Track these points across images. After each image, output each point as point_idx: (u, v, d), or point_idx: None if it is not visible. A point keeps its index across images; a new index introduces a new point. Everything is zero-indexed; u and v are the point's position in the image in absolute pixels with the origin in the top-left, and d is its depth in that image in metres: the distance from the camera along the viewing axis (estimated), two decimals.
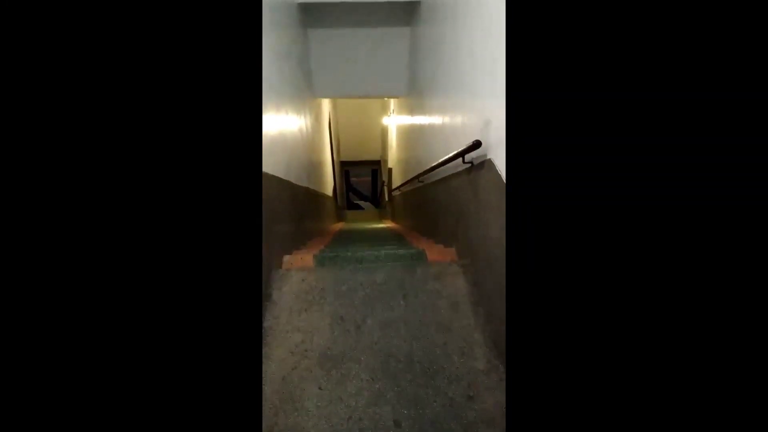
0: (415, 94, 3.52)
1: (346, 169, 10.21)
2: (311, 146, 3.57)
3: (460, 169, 1.84)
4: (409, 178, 4.00)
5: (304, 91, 3.23)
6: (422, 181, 2.99)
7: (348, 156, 9.24)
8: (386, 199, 7.78)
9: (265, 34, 1.91)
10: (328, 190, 5.51)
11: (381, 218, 7.40)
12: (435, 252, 2.08)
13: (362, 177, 12.65)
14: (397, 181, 5.81)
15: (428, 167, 2.66)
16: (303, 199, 2.98)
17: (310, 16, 3.36)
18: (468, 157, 1.66)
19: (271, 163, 1.91)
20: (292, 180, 2.45)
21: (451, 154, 1.83)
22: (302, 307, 1.61)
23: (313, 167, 3.69)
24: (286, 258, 2.01)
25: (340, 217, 7.21)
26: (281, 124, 2.16)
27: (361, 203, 13.36)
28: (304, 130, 3.10)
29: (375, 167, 10.28)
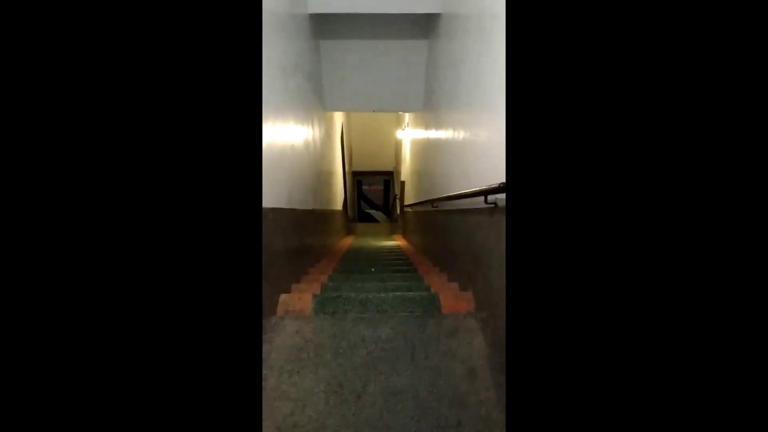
0: (431, 110, 3.31)
1: (357, 179, 10.03)
2: (319, 164, 3.38)
3: (481, 206, 1.61)
4: (422, 198, 3.78)
5: (313, 105, 3.05)
6: (436, 207, 2.76)
7: (360, 166, 9.07)
8: (398, 212, 7.56)
9: (270, 48, 1.72)
10: (338, 204, 5.32)
11: (392, 233, 7.18)
12: (449, 296, 1.84)
13: (374, 185, 12.48)
14: (410, 195, 5.59)
15: (445, 194, 2.43)
16: (308, 223, 2.78)
17: (322, 27, 3.19)
18: (492, 197, 1.44)
19: (272, 194, 1.71)
20: (296, 206, 2.25)
21: (471, 190, 1.60)
22: (294, 368, 1.39)
23: (321, 185, 3.50)
24: (283, 298, 1.80)
25: (350, 231, 7.01)
26: (284, 146, 1.97)
27: (373, 212, 13.17)
28: (312, 148, 2.91)
29: (387, 178, 10.08)
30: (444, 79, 2.75)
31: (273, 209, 1.73)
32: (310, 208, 2.80)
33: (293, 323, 1.56)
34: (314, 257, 3.06)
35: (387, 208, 12.30)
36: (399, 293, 1.85)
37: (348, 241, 5.51)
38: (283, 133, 1.99)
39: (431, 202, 2.83)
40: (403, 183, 6.79)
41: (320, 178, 3.42)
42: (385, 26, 3.32)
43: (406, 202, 5.69)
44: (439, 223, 2.71)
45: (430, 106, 3.34)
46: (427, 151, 3.65)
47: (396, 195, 7.86)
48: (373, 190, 13.01)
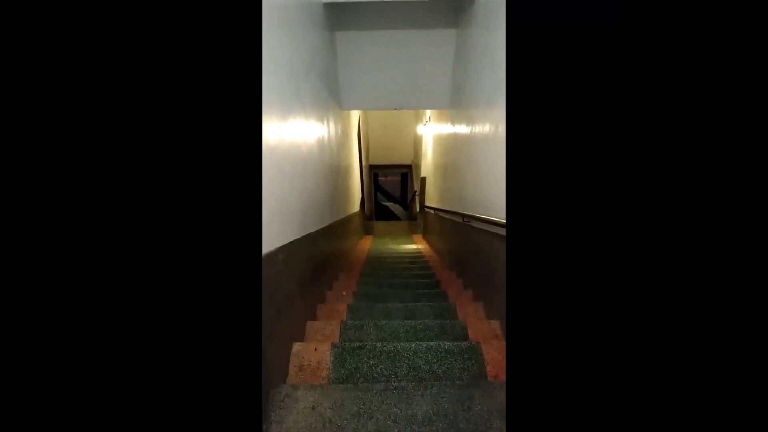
0: (460, 107, 2.95)
1: (374, 171, 9.70)
2: (336, 170, 3.08)
3: None
4: (447, 204, 3.45)
5: (329, 107, 2.73)
6: (468, 222, 2.42)
7: (378, 160, 8.73)
8: (417, 209, 7.23)
9: (280, 48, 1.41)
10: (355, 205, 5.02)
11: (411, 232, 6.85)
12: (494, 347, 1.53)
13: (390, 177, 12.11)
14: (431, 194, 5.25)
15: (480, 211, 2.10)
16: (324, 242, 2.49)
17: (338, 17, 2.84)
18: None
19: (284, 226, 1.42)
20: (311, 230, 1.96)
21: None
22: None
23: (338, 193, 3.20)
24: (296, 349, 1.52)
25: (368, 230, 6.72)
26: (296, 164, 1.67)
27: (390, 205, 12.85)
28: (327, 155, 2.60)
29: (405, 171, 9.72)
30: (477, 74, 2.38)
31: (284, 246, 1.44)
32: (326, 224, 2.52)
33: (307, 395, 1.27)
34: (332, 275, 2.78)
35: (404, 201, 11.97)
36: (433, 343, 1.55)
37: (366, 245, 5.22)
38: (296, 149, 1.69)
39: (462, 216, 2.49)
40: (423, 179, 6.44)
41: (337, 186, 3.12)
42: (407, 14, 2.95)
43: (428, 203, 5.36)
44: (472, 241, 2.38)
45: (459, 103, 2.98)
46: (453, 152, 3.29)
47: (416, 191, 7.51)
48: (390, 181, 12.68)
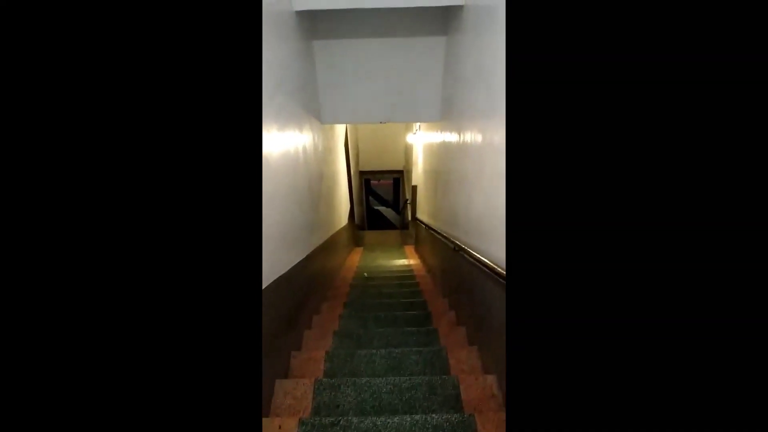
0: (451, 120, 2.71)
1: (365, 177, 9.45)
2: (318, 190, 2.83)
3: None
4: (439, 223, 3.21)
5: (307, 122, 2.48)
6: (460, 251, 2.18)
7: (368, 166, 8.48)
8: (409, 218, 6.99)
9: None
10: (343, 219, 4.77)
11: (403, 243, 6.61)
12: (491, 419, 1.30)
13: (383, 180, 11.86)
14: (423, 206, 5.01)
15: (472, 242, 1.86)
16: (308, 271, 2.25)
17: (315, 26, 2.59)
18: None
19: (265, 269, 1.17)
20: (285, 270, 1.71)
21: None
22: None
23: (321, 215, 2.95)
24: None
25: (358, 241, 6.47)
26: (269, 197, 1.42)
27: (382, 209, 12.60)
28: (305, 178, 2.36)
29: (397, 176, 9.49)
30: (469, 85, 2.14)
31: (266, 289, 1.20)
32: (306, 254, 2.27)
33: None
34: (313, 308, 2.54)
35: (397, 205, 11.74)
36: (419, 416, 1.31)
37: (354, 261, 4.97)
38: (266, 181, 1.44)
39: (454, 245, 2.25)
40: (414, 187, 6.20)
41: (318, 209, 2.87)
42: (392, 21, 2.71)
43: (419, 215, 5.12)
44: (465, 275, 2.14)
45: (450, 115, 2.74)
46: (444, 167, 3.06)
47: (407, 199, 7.28)
48: (382, 184, 12.42)
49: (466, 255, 1.95)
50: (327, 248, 3.19)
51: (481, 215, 1.80)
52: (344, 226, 4.69)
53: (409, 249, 5.94)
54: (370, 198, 12.39)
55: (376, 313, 2.54)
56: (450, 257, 2.51)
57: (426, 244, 4.35)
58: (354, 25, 2.70)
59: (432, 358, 1.88)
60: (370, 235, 7.07)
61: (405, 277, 3.84)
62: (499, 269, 1.43)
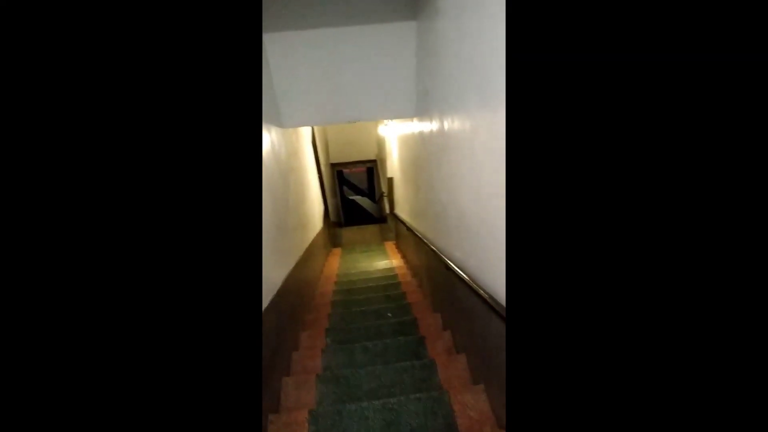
0: (428, 115, 2.40)
1: (338, 169, 9.05)
2: (286, 202, 2.48)
3: None
4: (420, 228, 2.93)
5: (265, 129, 2.11)
6: (454, 272, 1.91)
7: (340, 158, 8.09)
8: (387, 210, 6.70)
9: None
10: (317, 225, 4.43)
11: (383, 239, 6.32)
12: None
13: (355, 168, 11.46)
14: (401, 201, 4.72)
15: (462, 262, 1.58)
16: (280, 309, 1.92)
17: (263, 17, 2.19)
18: None
19: None
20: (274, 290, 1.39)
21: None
22: None
23: (291, 233, 2.61)
24: None
25: (335, 242, 6.13)
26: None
27: (357, 199, 12.24)
28: (270, 201, 2.01)
29: (370, 165, 9.14)
30: (448, 75, 1.83)
31: None
32: (280, 284, 1.95)
33: None
34: (291, 345, 2.23)
35: (372, 194, 11.42)
36: None
37: (333, 268, 4.66)
38: None
39: (445, 264, 1.98)
40: (390, 179, 5.89)
41: (289, 228, 2.53)
42: (353, 6, 2.34)
43: (398, 211, 4.83)
44: (459, 299, 1.88)
45: (426, 110, 2.43)
46: (422, 165, 2.76)
47: (383, 192, 6.96)
48: (355, 172, 12.03)
49: (462, 280, 1.68)
50: (302, 266, 2.87)
51: (477, 233, 1.52)
52: (319, 232, 4.35)
53: (390, 246, 5.66)
54: (344, 188, 12.00)
55: (363, 343, 2.26)
56: (441, 272, 2.23)
57: (409, 245, 4.08)
58: (310, 14, 2.32)
59: (433, 406, 1.62)
60: (348, 234, 6.73)
61: (390, 286, 3.56)
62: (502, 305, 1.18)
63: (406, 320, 2.59)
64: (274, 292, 1.94)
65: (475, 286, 1.48)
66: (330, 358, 2.18)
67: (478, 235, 1.50)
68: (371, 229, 6.99)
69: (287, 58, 2.49)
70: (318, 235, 4.23)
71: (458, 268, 1.79)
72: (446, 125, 1.96)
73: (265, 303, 1.74)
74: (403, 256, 4.68)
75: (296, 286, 2.62)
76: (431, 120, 2.31)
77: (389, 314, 3.27)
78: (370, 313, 2.81)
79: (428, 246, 2.52)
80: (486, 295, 1.36)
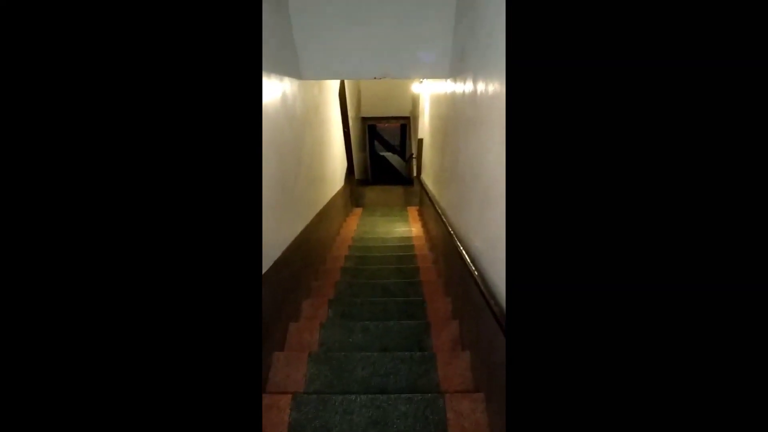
0: (464, 77, 2.09)
1: (370, 124, 8.71)
2: (298, 164, 2.30)
3: None
4: (444, 206, 2.69)
5: (278, 79, 1.89)
6: (465, 263, 1.70)
7: (372, 112, 7.72)
8: (414, 174, 6.43)
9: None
10: (338, 184, 4.25)
11: (407, 203, 6.09)
12: None
13: (389, 124, 11.04)
14: (428, 167, 4.45)
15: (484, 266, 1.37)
16: (297, 255, 1.81)
17: None
18: None
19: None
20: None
21: None
22: None
23: (310, 187, 2.45)
24: None
25: (358, 201, 5.97)
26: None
27: (388, 156, 11.92)
28: (278, 158, 1.83)
29: (404, 122, 8.73)
30: (493, 35, 1.52)
31: None
32: (292, 238, 1.83)
33: None
34: (294, 307, 2.15)
35: (404, 153, 11.05)
36: None
37: (351, 229, 4.53)
38: None
39: (466, 260, 1.77)
40: (420, 141, 5.57)
41: (299, 182, 2.36)
42: None
43: (425, 177, 4.57)
44: (476, 303, 1.69)
45: (464, 71, 2.11)
46: (454, 135, 2.48)
47: (412, 154, 6.65)
48: (389, 127, 11.61)
49: (477, 283, 1.48)
50: (313, 229, 2.73)
51: (500, 235, 1.29)
52: (339, 192, 4.19)
53: (413, 212, 5.45)
54: (375, 143, 11.67)
55: (365, 322, 2.14)
56: (456, 260, 2.03)
57: (430, 216, 3.86)
58: None
59: (426, 410, 1.49)
60: (372, 194, 6.54)
61: (405, 258, 3.40)
62: None
63: (414, 301, 2.44)
64: (275, 258, 1.81)
65: (487, 295, 1.28)
66: (328, 334, 2.08)
67: (500, 240, 1.27)
68: (396, 192, 6.77)
69: (308, 3, 2.19)
70: (337, 194, 4.07)
71: (474, 263, 1.58)
72: (479, 93, 1.67)
73: (264, 269, 1.61)
74: (424, 225, 4.48)
75: (304, 250, 2.50)
76: (465, 84, 2.00)
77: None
78: (379, 287, 2.68)
79: (447, 227, 2.30)
80: (497, 310, 1.16)
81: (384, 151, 12.12)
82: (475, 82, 1.76)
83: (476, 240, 1.67)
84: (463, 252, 1.80)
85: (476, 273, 1.50)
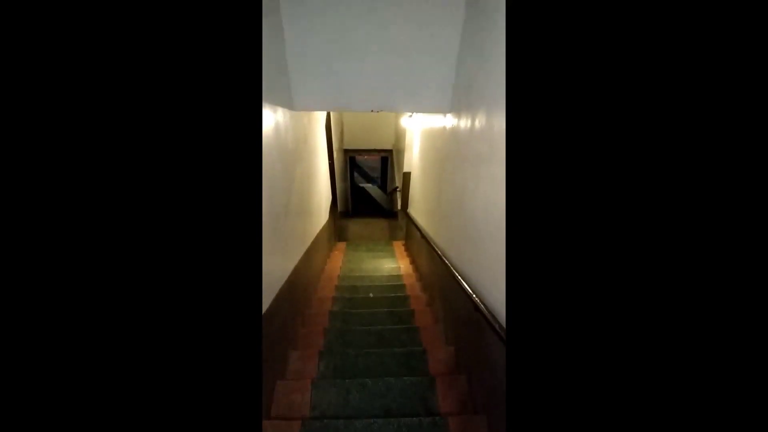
0: (467, 112, 1.99)
1: (350, 156, 8.63)
2: (287, 204, 2.09)
3: None
4: (440, 244, 2.53)
5: (271, 110, 1.72)
6: (482, 314, 1.52)
7: (354, 144, 7.66)
8: (398, 207, 6.30)
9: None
10: (323, 218, 4.05)
11: (392, 237, 5.93)
12: None
13: (371, 155, 11.02)
14: (417, 202, 4.32)
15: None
16: (292, 296, 1.55)
17: None
18: None
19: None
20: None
21: None
22: None
23: (299, 228, 2.23)
24: None
25: (341, 235, 5.75)
26: None
27: (368, 187, 11.83)
28: (277, 194, 1.62)
29: (385, 155, 8.71)
30: (491, 68, 1.41)
31: None
32: (278, 288, 1.58)
33: None
34: (283, 352, 1.88)
35: (384, 184, 11.00)
36: None
37: (336, 265, 4.29)
38: None
39: (465, 290, 1.59)
40: (407, 174, 5.48)
41: (287, 224, 2.14)
42: None
43: (413, 211, 4.43)
44: (492, 352, 1.50)
45: (468, 106, 2.01)
46: (451, 170, 2.36)
47: (396, 187, 6.55)
48: (369, 159, 11.58)
49: (501, 337, 1.29)
50: (299, 273, 2.50)
51: None
52: (323, 227, 3.98)
53: (398, 247, 5.27)
54: (355, 174, 11.59)
55: (362, 379, 1.90)
56: (466, 309, 1.85)
57: (421, 253, 3.69)
58: None
59: None
60: (355, 227, 6.34)
61: (396, 299, 3.18)
62: None
63: (414, 351, 2.21)
64: (265, 308, 1.58)
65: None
66: (321, 394, 1.82)
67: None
68: (380, 225, 6.60)
69: (304, 34, 2.06)
70: (323, 229, 3.86)
71: (491, 314, 1.40)
72: (495, 129, 1.55)
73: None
74: (413, 261, 4.30)
75: (293, 295, 2.25)
76: (473, 120, 1.89)
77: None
78: (373, 335, 2.44)
79: (449, 268, 2.13)
80: None
81: (363, 182, 12.04)
82: (488, 117, 1.64)
83: (495, 291, 1.50)
84: (474, 296, 1.63)
85: (491, 317, 1.31)
